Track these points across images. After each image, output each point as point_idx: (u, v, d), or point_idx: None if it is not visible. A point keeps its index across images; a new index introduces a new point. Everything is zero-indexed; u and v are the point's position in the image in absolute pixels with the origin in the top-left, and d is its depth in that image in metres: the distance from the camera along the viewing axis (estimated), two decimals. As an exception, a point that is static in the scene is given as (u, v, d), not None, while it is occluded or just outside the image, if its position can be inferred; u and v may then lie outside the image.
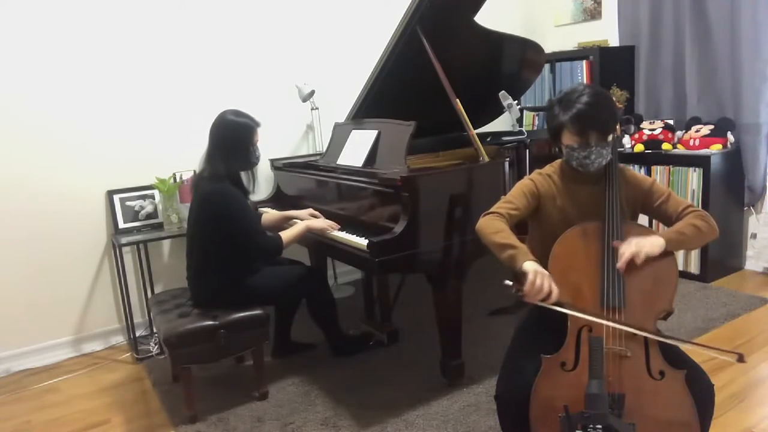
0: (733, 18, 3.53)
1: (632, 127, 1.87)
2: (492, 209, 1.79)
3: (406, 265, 2.31)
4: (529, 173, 1.92)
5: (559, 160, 1.87)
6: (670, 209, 1.77)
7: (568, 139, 1.71)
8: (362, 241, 2.30)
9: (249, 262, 2.55)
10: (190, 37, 3.36)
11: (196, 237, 2.53)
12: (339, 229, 2.58)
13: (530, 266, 1.60)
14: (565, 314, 1.63)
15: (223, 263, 2.48)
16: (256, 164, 2.56)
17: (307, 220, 2.66)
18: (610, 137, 1.72)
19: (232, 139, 2.47)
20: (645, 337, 1.58)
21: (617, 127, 1.84)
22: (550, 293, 1.57)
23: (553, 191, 1.82)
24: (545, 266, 1.68)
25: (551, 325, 1.72)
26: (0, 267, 2.97)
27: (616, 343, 1.57)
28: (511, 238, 1.68)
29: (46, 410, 2.64)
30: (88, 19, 3.06)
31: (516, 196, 1.82)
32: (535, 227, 1.89)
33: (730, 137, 3.59)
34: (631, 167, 3.72)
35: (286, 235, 2.54)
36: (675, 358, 1.60)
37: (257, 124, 2.52)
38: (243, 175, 2.56)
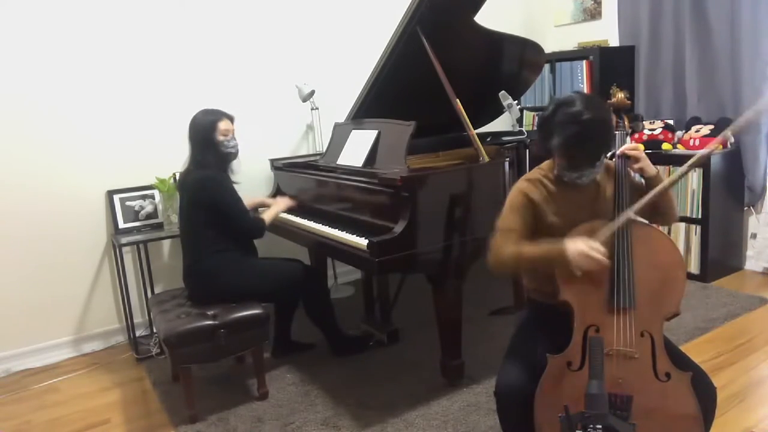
0: (733, 18, 3.53)
1: (640, 125, 1.91)
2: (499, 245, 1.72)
3: (406, 265, 2.31)
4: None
5: (547, 162, 1.81)
6: None
7: (559, 158, 1.68)
8: (362, 241, 2.30)
9: (245, 250, 2.64)
10: (191, 37, 3.36)
11: (191, 228, 2.60)
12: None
13: (570, 250, 1.57)
14: (569, 313, 1.63)
15: (218, 250, 2.54)
16: (232, 154, 2.67)
17: (278, 203, 2.94)
18: (603, 158, 1.69)
19: (198, 135, 2.60)
20: (652, 339, 1.58)
21: (626, 123, 1.82)
22: (603, 256, 1.55)
23: (546, 197, 1.75)
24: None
25: (552, 323, 1.72)
26: (0, 267, 2.97)
27: (625, 344, 1.57)
28: (536, 247, 1.64)
29: (46, 410, 2.64)
30: (89, 19, 3.06)
31: (512, 219, 1.72)
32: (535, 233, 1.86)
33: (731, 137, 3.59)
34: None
35: (266, 216, 2.74)
36: (678, 360, 1.60)
37: (219, 116, 2.63)
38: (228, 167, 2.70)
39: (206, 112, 2.64)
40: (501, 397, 1.66)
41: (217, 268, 2.54)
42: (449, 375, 2.53)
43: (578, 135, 1.58)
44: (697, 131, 3.63)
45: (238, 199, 2.61)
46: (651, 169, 1.75)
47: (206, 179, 2.55)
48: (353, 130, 2.95)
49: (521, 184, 1.78)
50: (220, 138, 2.60)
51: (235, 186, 2.66)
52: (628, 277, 1.61)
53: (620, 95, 1.91)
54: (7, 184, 2.94)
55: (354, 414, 2.37)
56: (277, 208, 2.87)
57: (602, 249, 1.56)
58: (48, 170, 3.03)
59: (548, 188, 1.75)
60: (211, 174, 2.56)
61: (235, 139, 2.67)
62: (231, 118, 2.68)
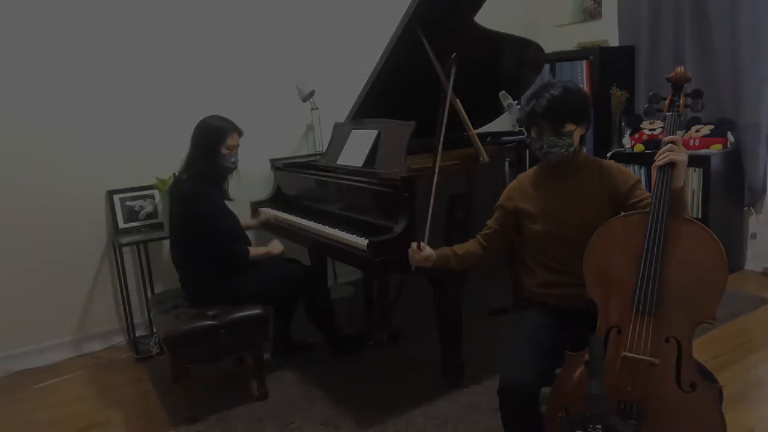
0: (733, 18, 3.53)
1: (700, 102, 1.64)
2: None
3: (406, 265, 2.30)
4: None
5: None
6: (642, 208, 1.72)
7: (532, 131, 1.80)
8: (362, 241, 2.30)
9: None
10: (190, 37, 3.36)
11: (183, 237, 2.56)
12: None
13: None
14: (586, 312, 1.63)
15: (213, 263, 2.51)
16: (229, 169, 2.59)
17: (275, 247, 2.70)
18: (567, 128, 1.72)
19: (203, 140, 2.52)
20: (679, 345, 1.48)
21: (681, 102, 1.69)
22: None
23: (525, 188, 1.89)
24: (555, 263, 1.77)
25: (555, 321, 1.73)
26: (0, 267, 2.97)
27: (639, 350, 1.49)
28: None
29: (46, 410, 2.64)
30: (88, 19, 3.06)
31: (493, 216, 1.97)
32: (522, 227, 1.92)
33: (730, 137, 3.59)
34: (632, 167, 3.73)
35: (254, 251, 2.60)
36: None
37: (231, 129, 2.54)
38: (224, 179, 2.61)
39: (219, 120, 2.55)
40: (506, 395, 1.64)
41: (214, 279, 2.51)
42: (449, 375, 2.53)
43: (547, 97, 1.72)
44: (697, 131, 3.63)
45: (224, 220, 2.52)
46: (683, 171, 1.55)
47: (194, 195, 2.48)
48: (353, 130, 2.95)
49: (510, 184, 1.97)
50: (225, 152, 2.52)
51: (231, 202, 2.60)
52: (653, 279, 1.49)
53: (679, 69, 1.69)
54: (7, 184, 2.94)
55: (354, 414, 2.37)
56: (267, 250, 2.66)
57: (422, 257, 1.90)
58: (48, 170, 3.03)
59: (532, 180, 1.89)
60: (202, 189, 2.48)
61: (237, 155, 2.59)
62: (240, 133, 2.59)
